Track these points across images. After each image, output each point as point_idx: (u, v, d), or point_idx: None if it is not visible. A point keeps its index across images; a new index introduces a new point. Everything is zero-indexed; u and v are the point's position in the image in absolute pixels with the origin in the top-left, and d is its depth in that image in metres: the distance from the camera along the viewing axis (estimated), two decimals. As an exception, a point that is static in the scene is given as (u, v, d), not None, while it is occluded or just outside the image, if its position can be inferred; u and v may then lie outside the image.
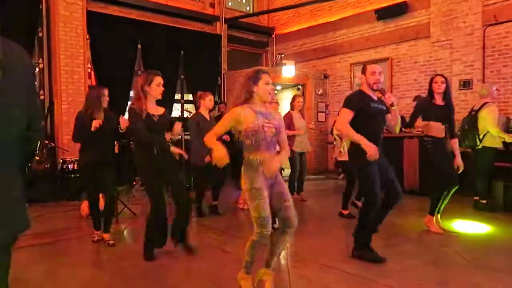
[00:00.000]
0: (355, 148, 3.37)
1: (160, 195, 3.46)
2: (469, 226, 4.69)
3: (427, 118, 4.31)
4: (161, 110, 3.57)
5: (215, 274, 3.19)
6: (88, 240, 4.11)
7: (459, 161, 4.29)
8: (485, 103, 5.36)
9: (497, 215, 5.12)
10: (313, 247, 3.91)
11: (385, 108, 3.43)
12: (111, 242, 3.96)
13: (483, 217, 5.06)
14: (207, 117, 5.16)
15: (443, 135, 4.26)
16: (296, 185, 6.23)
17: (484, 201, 5.39)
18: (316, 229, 4.78)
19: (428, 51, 8.02)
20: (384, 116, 3.47)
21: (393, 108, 3.38)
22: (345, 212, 5.12)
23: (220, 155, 2.51)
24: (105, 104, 4.00)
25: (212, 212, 5.34)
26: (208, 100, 5.17)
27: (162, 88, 3.48)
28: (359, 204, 5.07)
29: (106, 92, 4.01)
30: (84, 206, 5.19)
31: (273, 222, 2.88)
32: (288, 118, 6.17)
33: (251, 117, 2.57)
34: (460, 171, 4.29)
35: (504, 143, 5.92)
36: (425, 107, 4.34)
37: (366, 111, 3.31)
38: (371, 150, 3.16)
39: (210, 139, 2.62)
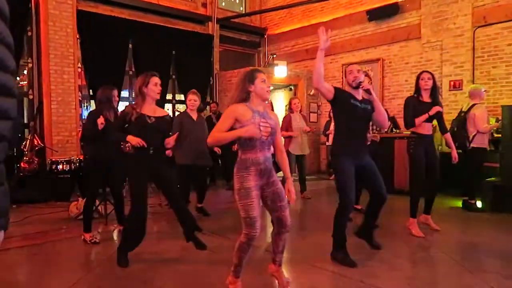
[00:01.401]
0: (334, 147, 3.44)
1: (143, 199, 3.40)
2: (458, 226, 4.73)
3: (415, 116, 4.22)
4: (160, 112, 3.54)
5: (204, 276, 3.17)
6: (77, 242, 4.07)
7: (454, 154, 4.32)
8: (474, 104, 5.41)
9: (486, 215, 5.16)
10: (303, 248, 3.90)
11: (369, 108, 3.42)
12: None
13: (472, 217, 5.10)
14: (194, 117, 5.08)
15: (430, 133, 4.24)
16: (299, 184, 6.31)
17: (473, 201, 5.43)
18: (307, 229, 4.78)
19: (419, 52, 8.07)
20: (368, 117, 3.45)
21: (372, 96, 3.35)
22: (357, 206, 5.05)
23: (248, 131, 2.48)
24: (115, 104, 4.16)
25: (200, 212, 5.26)
26: (188, 101, 5.11)
27: (160, 88, 3.46)
28: (358, 207, 5.05)
29: (116, 92, 4.18)
30: (73, 207, 5.15)
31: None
32: (287, 120, 6.23)
33: (248, 115, 2.54)
34: (455, 161, 4.28)
35: (494, 143, 5.98)
36: (414, 104, 4.23)
37: (346, 107, 3.32)
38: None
39: (214, 136, 2.57)
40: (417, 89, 4.26)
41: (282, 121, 6.28)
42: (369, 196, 3.55)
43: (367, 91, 3.34)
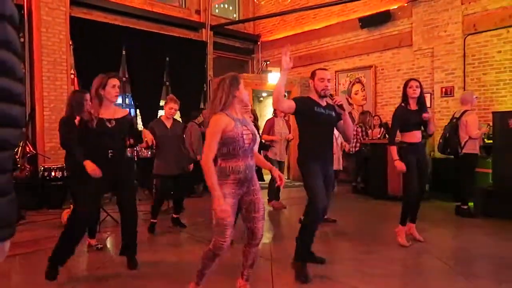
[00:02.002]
0: (300, 154, 3.37)
1: (93, 201, 3.25)
2: (451, 232, 4.75)
3: (405, 126, 4.15)
4: (121, 113, 3.37)
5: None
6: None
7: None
8: (465, 110, 5.48)
9: (478, 221, 5.20)
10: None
11: (334, 115, 3.37)
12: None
13: (465, 223, 5.14)
14: (168, 124, 4.83)
15: (419, 140, 4.20)
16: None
17: (465, 207, 5.47)
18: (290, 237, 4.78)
19: (410, 59, 8.16)
20: (333, 123, 3.41)
21: (344, 111, 3.33)
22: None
23: (222, 207, 2.35)
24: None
25: (176, 224, 5.04)
26: (167, 108, 4.88)
27: (117, 90, 3.30)
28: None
29: (88, 96, 3.88)
30: (65, 214, 5.09)
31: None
32: (269, 124, 6.16)
33: (230, 125, 2.46)
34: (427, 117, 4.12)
35: (485, 149, 6.06)
36: (403, 115, 4.15)
37: (309, 115, 3.27)
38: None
39: (208, 163, 2.39)
40: (405, 97, 4.19)
41: (265, 124, 6.22)
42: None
43: (340, 107, 3.30)
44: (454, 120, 5.56)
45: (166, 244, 4.43)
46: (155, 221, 4.82)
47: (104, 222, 5.00)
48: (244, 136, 2.50)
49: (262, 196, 2.66)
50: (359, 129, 7.60)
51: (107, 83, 3.26)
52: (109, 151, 3.23)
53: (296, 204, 6.42)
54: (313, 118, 3.28)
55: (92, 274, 3.48)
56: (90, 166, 3.13)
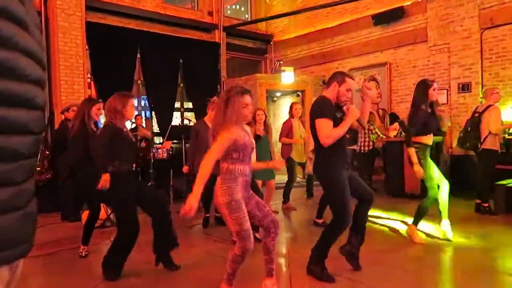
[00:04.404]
0: (321, 160, 3.20)
1: (136, 217, 3.34)
2: (471, 230, 4.68)
3: (425, 130, 4.01)
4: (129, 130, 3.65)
5: (216, 283, 3.17)
6: (90, 250, 4.09)
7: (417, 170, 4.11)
8: (489, 105, 5.37)
9: (499, 218, 5.10)
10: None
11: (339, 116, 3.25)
12: None
13: (486, 220, 5.05)
14: (211, 126, 5.02)
15: (431, 143, 4.13)
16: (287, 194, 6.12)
17: (486, 204, 5.37)
18: (315, 236, 4.76)
19: (426, 55, 8.05)
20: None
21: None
22: (320, 221, 4.90)
23: (191, 204, 2.36)
24: (97, 118, 4.12)
25: (219, 223, 5.08)
26: (211, 110, 4.87)
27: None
28: (320, 221, 4.89)
29: (100, 106, 4.13)
30: (85, 216, 5.18)
31: (256, 231, 2.89)
32: (287, 125, 6.10)
33: (241, 135, 2.62)
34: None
35: (506, 145, 5.93)
36: (426, 120, 3.97)
37: (333, 122, 3.12)
38: (355, 116, 3.09)
39: (209, 165, 2.48)
40: (424, 98, 3.99)
41: (283, 126, 6.12)
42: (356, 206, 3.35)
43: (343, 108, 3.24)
44: (477, 115, 5.46)
45: (185, 242, 4.46)
46: (207, 215, 5.11)
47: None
48: (250, 143, 2.67)
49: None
50: (371, 127, 7.52)
51: (128, 103, 3.38)
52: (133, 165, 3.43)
53: (303, 206, 6.40)
54: (335, 124, 3.12)
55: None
56: (104, 181, 3.25)
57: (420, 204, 4.16)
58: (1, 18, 0.71)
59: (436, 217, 4.35)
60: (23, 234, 0.79)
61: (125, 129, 3.46)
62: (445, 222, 4.18)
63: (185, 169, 5.11)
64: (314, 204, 6.40)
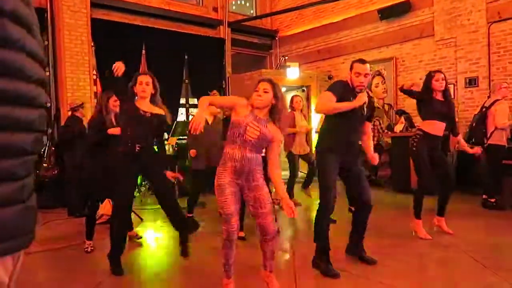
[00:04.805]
0: (319, 146, 3.33)
1: (129, 198, 3.40)
2: (478, 225, 4.65)
3: (427, 113, 4.02)
4: (157, 111, 3.52)
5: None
6: (97, 245, 4.11)
7: (473, 151, 4.25)
8: (496, 100, 5.32)
9: (506, 213, 5.06)
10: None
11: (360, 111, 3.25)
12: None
13: (492, 216, 5.01)
14: (209, 120, 5.04)
15: (440, 134, 4.06)
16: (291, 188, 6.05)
17: (492, 200, 5.33)
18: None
19: (432, 50, 7.97)
20: (360, 119, 3.30)
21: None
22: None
23: (199, 117, 2.48)
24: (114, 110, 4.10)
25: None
26: (213, 108, 4.99)
27: (144, 86, 3.45)
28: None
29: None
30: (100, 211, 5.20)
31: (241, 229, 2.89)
32: (290, 118, 6.07)
33: (243, 112, 2.65)
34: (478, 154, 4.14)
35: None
36: (426, 99, 4.00)
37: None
38: (359, 101, 3.12)
39: (204, 101, 2.64)
40: (429, 90, 4.00)
41: (285, 118, 6.08)
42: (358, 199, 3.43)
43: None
44: (484, 110, 5.40)
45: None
46: (190, 215, 4.95)
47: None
48: (248, 128, 2.61)
49: (267, 192, 2.69)
50: (377, 122, 7.49)
51: (136, 80, 3.43)
52: (137, 144, 3.34)
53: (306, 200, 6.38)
54: (345, 112, 3.13)
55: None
56: (114, 130, 3.38)
57: (414, 195, 4.19)
58: (10, 21, 0.74)
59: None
60: (25, 226, 0.83)
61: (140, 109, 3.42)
62: (440, 218, 4.22)
63: (193, 152, 5.05)
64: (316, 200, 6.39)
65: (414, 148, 4.05)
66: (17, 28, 0.76)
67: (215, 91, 5.73)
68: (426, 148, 4.02)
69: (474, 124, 5.45)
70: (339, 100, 3.11)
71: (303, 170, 7.03)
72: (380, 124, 7.49)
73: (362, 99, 3.14)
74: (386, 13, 8.51)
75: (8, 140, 0.75)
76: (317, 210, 3.26)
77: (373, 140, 7.33)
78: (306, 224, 5.27)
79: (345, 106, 3.09)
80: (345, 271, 3.20)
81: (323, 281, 3.06)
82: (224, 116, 5.28)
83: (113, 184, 3.39)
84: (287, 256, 3.72)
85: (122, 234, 3.41)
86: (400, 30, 8.45)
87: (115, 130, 3.69)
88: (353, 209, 4.85)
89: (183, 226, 3.51)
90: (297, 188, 6.22)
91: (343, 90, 3.18)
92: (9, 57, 0.74)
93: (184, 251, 3.45)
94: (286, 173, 6.17)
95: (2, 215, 0.76)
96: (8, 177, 0.76)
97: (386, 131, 7.48)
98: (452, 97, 4.25)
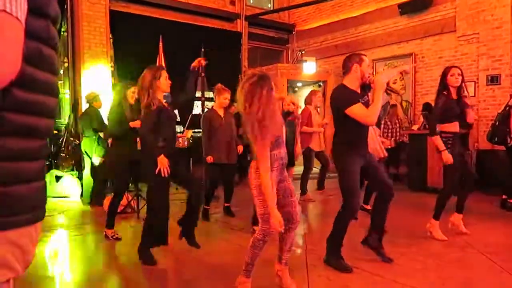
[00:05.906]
0: (338, 147, 3.22)
1: (167, 194, 3.41)
2: (496, 226, 4.54)
3: (447, 117, 3.89)
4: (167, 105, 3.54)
5: (234, 270, 3.19)
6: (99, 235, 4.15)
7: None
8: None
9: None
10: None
11: (367, 99, 3.22)
12: None
13: (511, 217, 4.89)
14: (221, 114, 4.97)
15: (458, 131, 3.97)
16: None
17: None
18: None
19: (453, 46, 7.79)
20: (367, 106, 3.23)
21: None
22: (367, 207, 4.85)
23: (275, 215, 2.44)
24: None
25: (227, 213, 5.16)
26: (222, 98, 4.97)
27: (170, 82, 3.48)
28: (368, 207, 4.89)
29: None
30: (107, 201, 5.29)
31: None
32: (307, 114, 5.99)
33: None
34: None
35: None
36: (447, 105, 3.86)
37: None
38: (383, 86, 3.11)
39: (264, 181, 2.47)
40: (445, 86, 3.89)
41: (302, 115, 5.93)
42: (377, 193, 3.40)
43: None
44: (507, 108, 5.25)
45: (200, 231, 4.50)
46: (207, 207, 4.96)
47: (142, 210, 5.14)
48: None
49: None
50: (389, 123, 7.36)
51: (161, 75, 3.42)
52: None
53: (319, 197, 6.35)
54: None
55: (129, 260, 3.59)
56: (161, 163, 3.20)
57: (439, 196, 4.07)
58: (51, 22, 0.87)
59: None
60: (44, 200, 0.95)
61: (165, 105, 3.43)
62: (458, 215, 4.12)
63: (210, 159, 4.90)
64: (328, 195, 6.35)
65: (449, 151, 3.86)
66: (54, 29, 0.89)
67: (218, 85, 5.56)
68: (455, 149, 3.89)
69: (497, 123, 5.29)
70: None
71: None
72: (398, 122, 7.36)
73: (382, 81, 3.10)
74: (406, 8, 8.34)
75: (39, 124, 0.86)
76: (340, 212, 3.20)
77: (394, 137, 7.23)
78: (318, 219, 5.24)
79: (379, 101, 3.09)
80: (358, 268, 3.17)
81: (335, 277, 3.03)
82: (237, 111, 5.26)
83: (139, 181, 3.42)
84: (299, 251, 3.71)
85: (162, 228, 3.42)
86: (420, 25, 8.28)
87: (136, 124, 3.69)
88: (365, 207, 4.84)
89: (199, 200, 3.58)
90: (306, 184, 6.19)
91: (356, 96, 3.15)
92: (51, 54, 0.88)
93: (192, 240, 3.49)
94: (299, 168, 6.14)
95: (32, 188, 0.86)
96: (37, 157, 0.88)
97: (403, 128, 7.36)
98: (466, 94, 4.09)
